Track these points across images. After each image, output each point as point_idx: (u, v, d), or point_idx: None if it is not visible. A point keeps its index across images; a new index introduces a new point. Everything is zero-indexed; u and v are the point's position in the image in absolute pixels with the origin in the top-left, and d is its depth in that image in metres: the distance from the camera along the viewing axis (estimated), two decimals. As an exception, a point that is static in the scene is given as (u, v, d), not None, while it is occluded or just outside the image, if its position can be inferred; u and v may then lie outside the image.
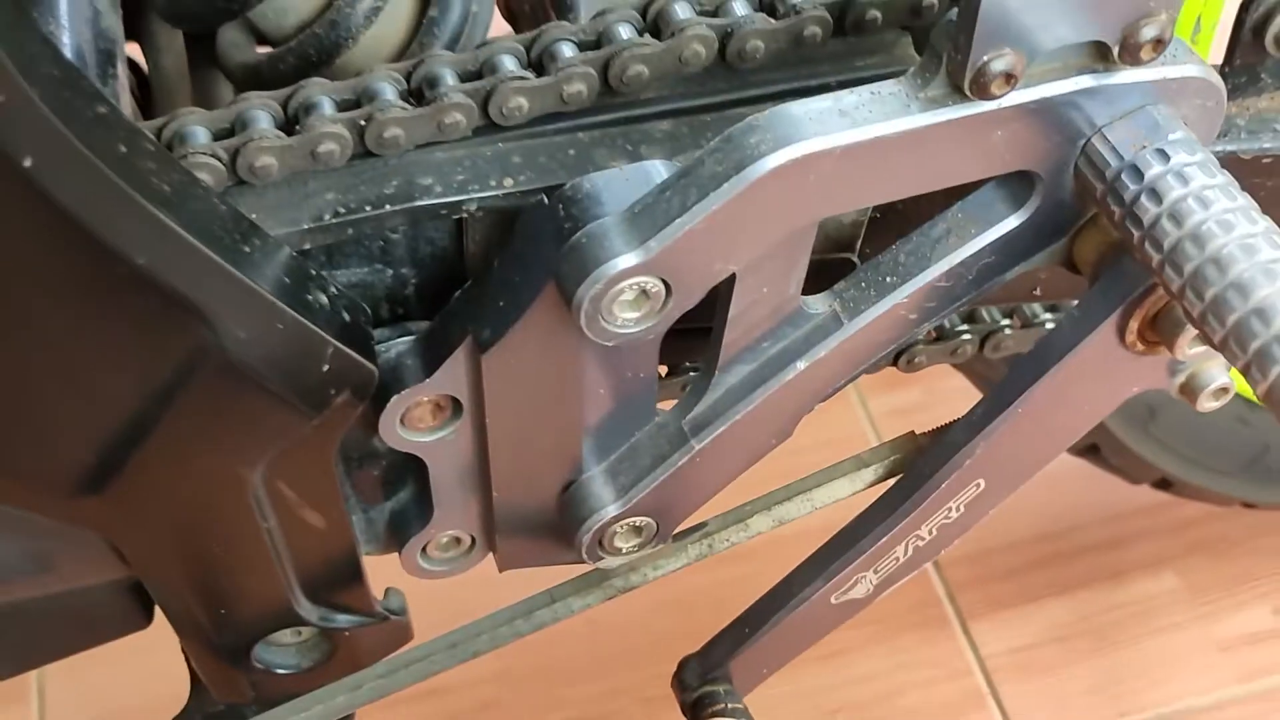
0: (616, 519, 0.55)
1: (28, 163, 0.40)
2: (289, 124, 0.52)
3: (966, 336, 0.68)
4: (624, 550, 0.56)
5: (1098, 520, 1.23)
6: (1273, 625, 1.17)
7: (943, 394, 1.23)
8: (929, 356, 0.67)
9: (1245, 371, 0.44)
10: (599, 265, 0.46)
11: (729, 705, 0.61)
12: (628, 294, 0.47)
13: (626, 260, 0.46)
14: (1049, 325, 0.69)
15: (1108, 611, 1.19)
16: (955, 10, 0.45)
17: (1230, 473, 0.97)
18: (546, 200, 0.49)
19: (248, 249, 0.47)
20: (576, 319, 0.47)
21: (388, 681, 0.61)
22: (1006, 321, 0.68)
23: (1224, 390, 0.54)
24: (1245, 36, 0.55)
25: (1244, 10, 0.54)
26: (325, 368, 0.49)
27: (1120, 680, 1.15)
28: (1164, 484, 0.97)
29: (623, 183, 0.48)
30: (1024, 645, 1.17)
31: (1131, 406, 0.72)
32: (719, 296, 0.50)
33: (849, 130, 0.46)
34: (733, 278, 0.49)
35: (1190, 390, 0.54)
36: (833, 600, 0.60)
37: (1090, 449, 0.92)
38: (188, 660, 0.67)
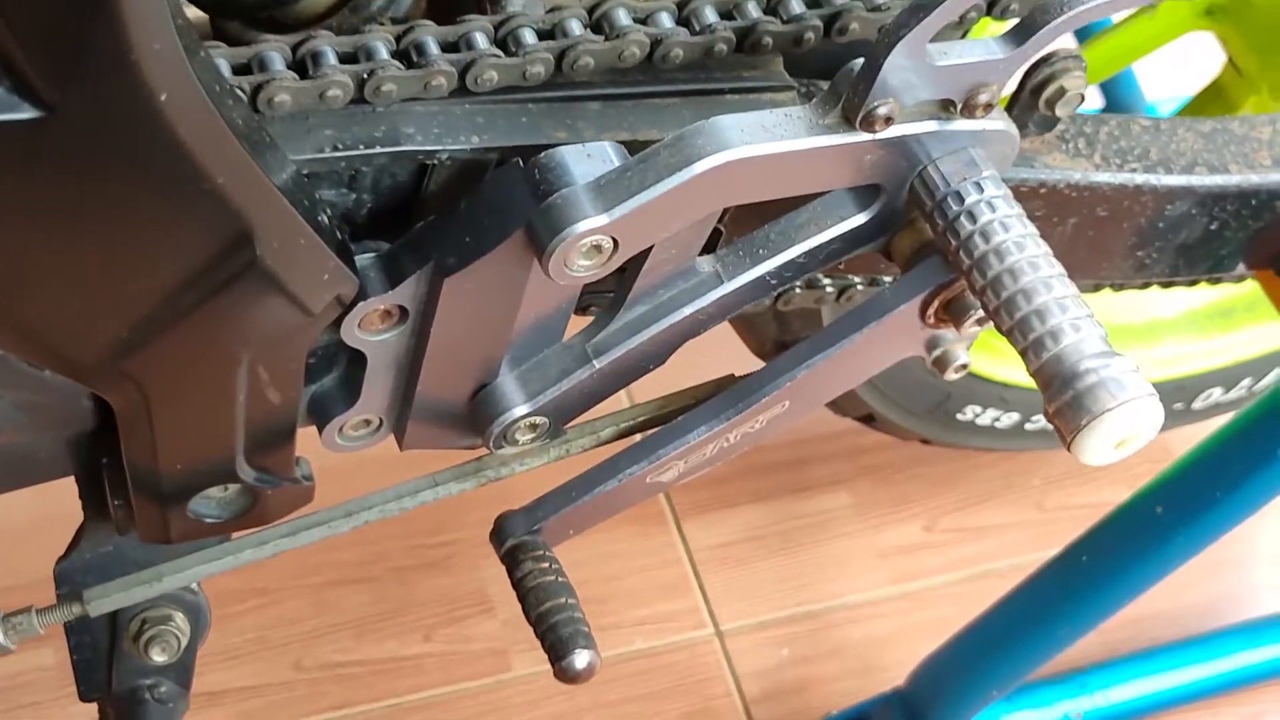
0: (523, 417, 0.68)
1: (163, 97, 0.49)
2: (298, 67, 0.62)
3: (829, 290, 0.84)
4: (522, 442, 0.69)
5: (788, 443, 1.44)
6: (922, 539, 1.41)
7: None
8: (801, 299, 0.83)
9: (1024, 354, 0.62)
10: (572, 223, 0.58)
11: (546, 553, 0.71)
12: (587, 247, 0.60)
13: (594, 222, 0.59)
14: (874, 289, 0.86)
15: (793, 519, 1.40)
16: (860, 62, 0.60)
17: (919, 414, 1.18)
18: (522, 163, 0.61)
19: (285, 175, 0.57)
20: (544, 263, 0.59)
21: (291, 540, 0.71)
22: (858, 280, 0.84)
23: (964, 367, 0.72)
24: (1024, 96, 0.73)
25: (1027, 76, 0.72)
26: (325, 277, 0.60)
27: (800, 575, 1.37)
28: (868, 419, 1.17)
29: (586, 159, 0.61)
30: (725, 542, 1.37)
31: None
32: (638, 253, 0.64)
33: (768, 142, 0.60)
34: (656, 241, 0.63)
35: (941, 364, 0.72)
36: (647, 480, 0.71)
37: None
38: (83, 501, 0.75)
